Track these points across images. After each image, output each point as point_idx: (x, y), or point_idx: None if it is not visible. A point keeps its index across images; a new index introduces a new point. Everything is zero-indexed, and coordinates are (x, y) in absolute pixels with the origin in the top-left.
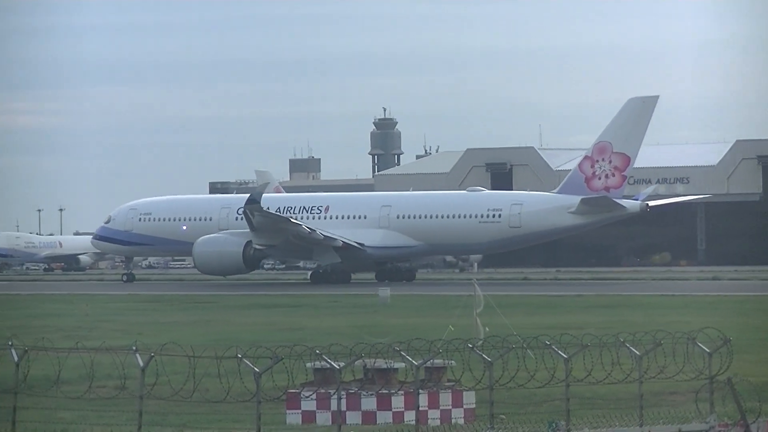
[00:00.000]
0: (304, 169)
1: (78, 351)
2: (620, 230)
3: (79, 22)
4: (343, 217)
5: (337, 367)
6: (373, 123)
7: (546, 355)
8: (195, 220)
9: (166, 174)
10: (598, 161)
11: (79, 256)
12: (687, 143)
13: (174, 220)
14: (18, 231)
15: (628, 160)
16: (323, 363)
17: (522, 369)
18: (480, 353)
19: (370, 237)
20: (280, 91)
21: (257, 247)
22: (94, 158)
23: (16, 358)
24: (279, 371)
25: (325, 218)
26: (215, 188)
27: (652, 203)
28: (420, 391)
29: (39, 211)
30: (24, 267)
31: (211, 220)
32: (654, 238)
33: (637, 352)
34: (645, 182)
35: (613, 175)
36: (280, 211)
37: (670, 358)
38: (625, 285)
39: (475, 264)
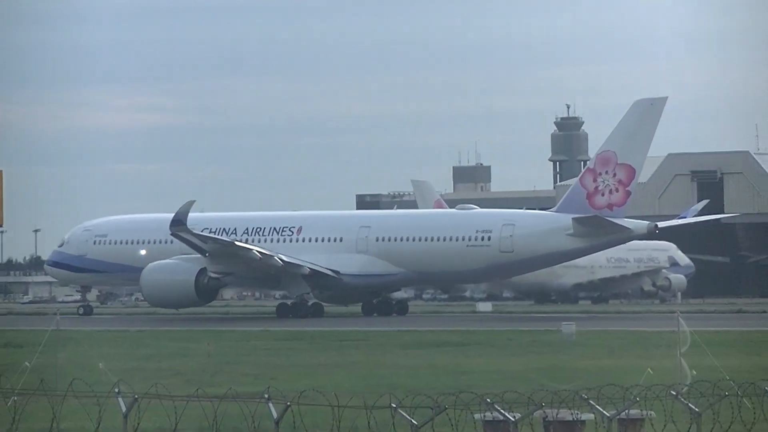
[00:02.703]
0: (471, 178)
1: (199, 399)
2: None
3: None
4: (317, 240)
5: (512, 419)
6: (554, 123)
7: (765, 404)
8: (155, 242)
9: (309, 185)
10: (601, 174)
11: None
12: None
13: (132, 242)
14: None
15: (633, 172)
16: (495, 414)
17: (737, 421)
18: (686, 402)
19: (346, 263)
20: (442, 84)
21: (212, 275)
22: (233, 164)
23: (123, 408)
24: (442, 423)
25: (297, 241)
26: (364, 202)
27: (662, 224)
28: None
29: None
30: (133, 298)
31: (172, 242)
32: None
33: None
34: None
35: (617, 190)
36: (247, 233)
37: None
38: None
39: (679, 293)
